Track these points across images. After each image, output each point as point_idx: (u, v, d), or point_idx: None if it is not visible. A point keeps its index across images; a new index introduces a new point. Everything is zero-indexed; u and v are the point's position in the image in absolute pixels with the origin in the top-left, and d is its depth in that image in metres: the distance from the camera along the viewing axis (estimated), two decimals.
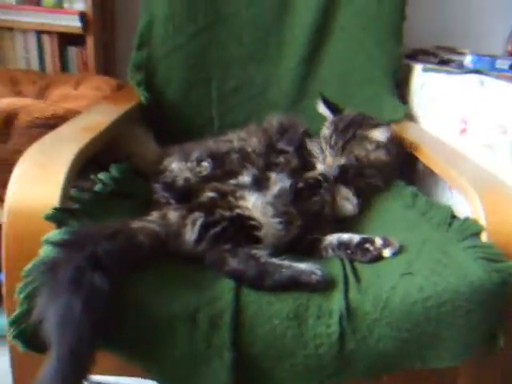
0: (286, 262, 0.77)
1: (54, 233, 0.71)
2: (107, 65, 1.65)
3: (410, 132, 1.24)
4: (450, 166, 1.01)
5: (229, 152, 1.01)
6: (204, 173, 0.94)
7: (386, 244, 0.85)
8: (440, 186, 1.19)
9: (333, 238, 0.89)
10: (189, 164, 0.96)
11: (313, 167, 1.09)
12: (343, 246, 0.88)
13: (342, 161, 1.06)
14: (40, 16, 1.49)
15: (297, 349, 0.72)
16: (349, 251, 0.87)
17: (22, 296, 0.67)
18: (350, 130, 1.08)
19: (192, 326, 0.69)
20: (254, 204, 0.85)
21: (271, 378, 0.72)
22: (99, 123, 0.99)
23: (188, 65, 1.35)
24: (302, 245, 0.90)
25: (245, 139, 1.08)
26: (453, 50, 1.58)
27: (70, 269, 0.63)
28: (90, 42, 1.53)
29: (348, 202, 1.03)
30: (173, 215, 0.83)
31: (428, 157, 1.10)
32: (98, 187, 0.91)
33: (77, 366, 0.61)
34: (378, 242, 0.85)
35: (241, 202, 0.85)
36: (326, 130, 1.11)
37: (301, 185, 0.99)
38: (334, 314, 0.72)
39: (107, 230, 0.71)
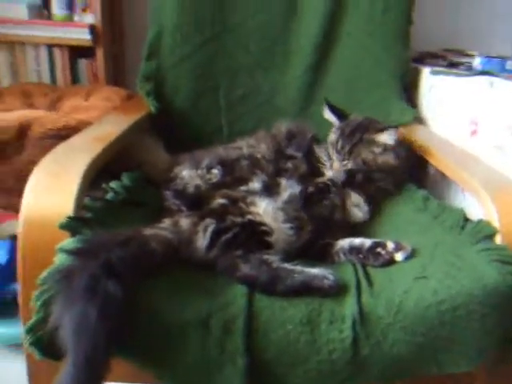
0: (298, 267, 0.77)
1: (68, 241, 0.72)
2: (117, 76, 1.67)
3: (419, 135, 1.24)
4: (461, 168, 1.00)
5: (238, 159, 1.01)
6: (214, 180, 0.95)
7: (398, 248, 0.85)
8: (452, 189, 1.18)
9: (344, 243, 0.89)
10: (199, 171, 0.97)
11: (321, 173, 1.09)
12: (355, 250, 0.87)
13: (349, 165, 1.06)
14: (51, 30, 1.53)
15: (310, 354, 0.71)
16: (361, 256, 0.86)
17: (37, 304, 0.68)
18: (356, 135, 1.08)
19: (205, 331, 0.69)
20: (264, 210, 0.86)
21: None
22: (110, 133, 1.00)
23: (196, 74, 1.37)
24: (314, 250, 0.89)
25: (254, 146, 1.09)
26: (461, 53, 1.58)
27: (84, 276, 0.64)
28: (99, 53, 1.56)
29: (358, 208, 1.03)
30: (184, 222, 0.83)
31: (438, 159, 1.10)
32: (110, 196, 0.92)
33: (92, 373, 0.62)
34: (390, 245, 0.85)
35: (252, 208, 0.85)
36: (332, 136, 1.11)
37: (311, 189, 0.99)
38: (347, 319, 0.72)
39: (120, 238, 0.72)
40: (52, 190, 0.78)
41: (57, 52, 1.56)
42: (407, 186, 1.12)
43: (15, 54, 1.56)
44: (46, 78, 1.58)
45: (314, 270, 0.76)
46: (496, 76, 1.18)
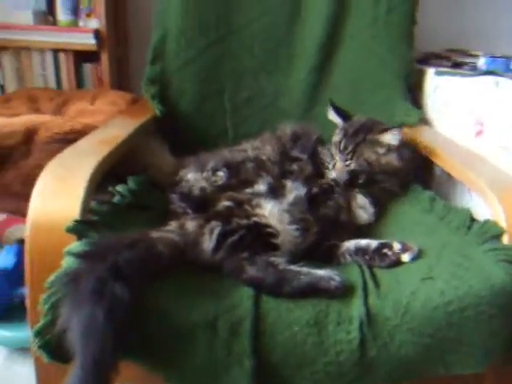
0: (305, 269, 0.77)
1: (75, 244, 0.73)
2: (121, 79, 1.68)
3: (424, 135, 1.24)
4: (467, 169, 1.00)
5: (244, 161, 1.01)
6: (220, 182, 0.95)
7: (405, 249, 0.85)
8: (458, 190, 1.18)
9: (350, 244, 0.89)
10: (204, 174, 0.97)
11: (326, 174, 1.09)
12: (361, 251, 0.87)
13: (352, 165, 1.05)
14: (56, 35, 1.53)
15: (317, 356, 0.71)
16: (367, 257, 0.86)
17: (45, 307, 0.68)
18: (359, 135, 1.08)
19: (212, 333, 0.69)
20: (270, 212, 0.86)
21: None
22: (116, 136, 1.01)
23: (201, 77, 1.37)
24: (320, 251, 0.89)
25: (259, 148, 1.09)
26: (465, 53, 1.58)
27: (92, 279, 0.65)
28: (104, 58, 1.56)
29: (363, 210, 1.03)
30: (190, 225, 0.83)
31: (444, 160, 1.09)
32: (116, 199, 0.92)
33: (100, 376, 0.62)
34: (397, 246, 0.85)
35: (257, 210, 0.86)
36: (335, 136, 1.11)
37: (315, 190, 0.99)
38: (354, 320, 0.72)
39: (127, 241, 0.72)
40: (59, 194, 0.78)
41: (62, 57, 1.57)
42: (413, 186, 1.12)
43: (21, 59, 1.57)
44: (52, 83, 1.59)
45: (321, 272, 0.76)
46: (501, 76, 1.18)
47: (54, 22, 1.57)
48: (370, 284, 0.78)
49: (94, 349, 0.62)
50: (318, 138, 1.16)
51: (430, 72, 1.39)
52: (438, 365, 0.75)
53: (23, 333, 1.21)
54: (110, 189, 0.94)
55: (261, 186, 0.92)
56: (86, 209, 0.78)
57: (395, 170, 1.07)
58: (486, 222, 0.87)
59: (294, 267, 0.78)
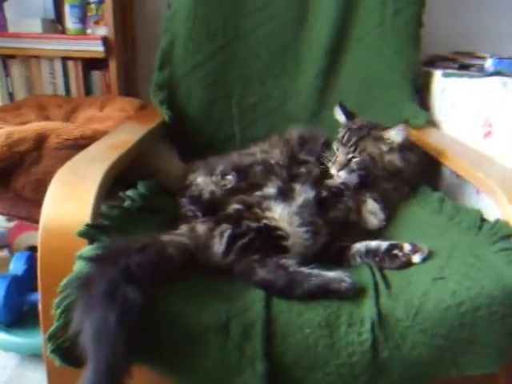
0: (315, 271, 0.77)
1: (86, 248, 0.73)
2: (129, 86, 1.69)
3: (432, 137, 1.23)
4: (476, 169, 0.99)
5: (252, 165, 1.02)
6: (229, 186, 0.96)
7: (415, 250, 0.84)
8: (467, 191, 1.17)
9: (361, 246, 0.89)
10: (214, 178, 0.98)
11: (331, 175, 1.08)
12: (371, 253, 0.87)
13: (354, 159, 1.04)
14: (65, 43, 1.55)
15: (329, 358, 0.71)
16: (377, 258, 0.86)
17: (58, 311, 0.69)
18: (363, 130, 1.08)
19: (224, 336, 0.69)
20: (280, 214, 0.86)
21: None
22: (125, 142, 1.02)
23: (208, 82, 1.38)
24: (330, 253, 0.89)
25: (267, 151, 1.10)
26: (472, 55, 1.57)
27: (103, 283, 0.65)
28: (112, 65, 1.58)
29: (374, 216, 1.02)
30: (201, 228, 0.84)
31: (453, 161, 1.09)
32: (126, 204, 0.93)
33: (113, 379, 0.62)
34: (407, 247, 0.85)
35: (267, 213, 0.86)
36: (339, 134, 1.11)
37: (324, 194, 0.99)
38: (366, 322, 0.72)
39: (138, 244, 0.73)
40: (70, 199, 0.79)
41: (71, 65, 1.59)
42: (422, 188, 1.12)
43: (30, 67, 1.59)
44: (61, 91, 1.61)
45: (331, 273, 0.76)
46: (508, 76, 1.18)
47: (63, 31, 1.59)
48: (381, 285, 0.78)
49: (107, 352, 0.62)
50: (326, 141, 1.16)
51: (437, 74, 1.39)
52: (451, 366, 0.74)
53: (34, 339, 1.22)
54: (120, 193, 0.95)
55: (270, 189, 0.92)
56: (96, 213, 0.78)
57: (397, 171, 1.07)
58: (497, 222, 0.86)
59: (304, 269, 0.78)
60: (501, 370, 0.77)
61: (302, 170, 1.07)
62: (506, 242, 0.81)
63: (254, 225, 0.83)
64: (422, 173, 1.14)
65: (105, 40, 1.53)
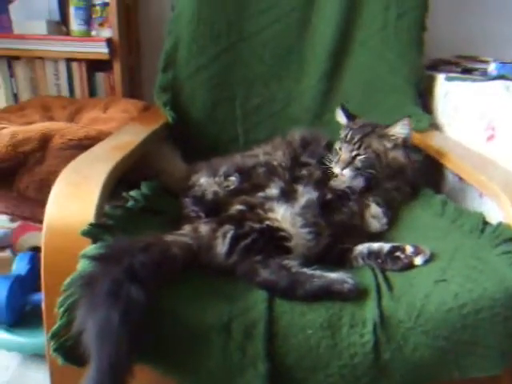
0: (318, 272, 0.77)
1: (90, 248, 0.73)
2: (133, 88, 1.70)
3: (435, 140, 1.24)
4: (479, 172, 1.00)
5: (255, 166, 1.02)
6: (232, 187, 0.96)
7: (417, 252, 0.84)
8: (469, 194, 1.17)
9: (363, 248, 0.89)
10: (217, 179, 0.98)
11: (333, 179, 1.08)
12: (373, 255, 0.87)
13: (359, 157, 1.04)
14: (69, 45, 1.56)
15: (331, 359, 0.71)
16: (379, 260, 0.86)
17: (61, 310, 0.69)
18: (367, 127, 1.08)
19: (226, 336, 0.70)
20: (282, 215, 0.86)
21: None
22: (129, 143, 1.02)
23: (212, 84, 1.39)
24: (332, 255, 0.89)
25: (270, 153, 1.10)
26: (475, 59, 1.58)
27: (107, 281, 0.65)
28: (116, 67, 1.58)
29: (376, 220, 1.02)
30: (204, 228, 0.84)
31: (456, 164, 1.09)
32: (129, 204, 0.93)
33: (116, 378, 0.62)
34: (409, 249, 0.85)
35: (270, 214, 0.86)
36: (341, 134, 1.12)
37: (329, 196, 0.99)
38: (368, 323, 0.72)
39: (141, 244, 0.73)
40: (74, 199, 0.79)
41: (75, 66, 1.59)
42: (424, 191, 1.12)
43: (35, 68, 1.60)
44: (65, 92, 1.62)
45: (334, 275, 0.76)
46: (511, 80, 1.18)
47: (68, 32, 1.60)
48: (383, 287, 0.78)
49: (110, 351, 0.62)
50: (328, 143, 1.16)
51: (440, 78, 1.39)
52: (453, 368, 0.74)
53: (37, 339, 1.23)
54: (124, 194, 0.95)
55: (273, 190, 0.92)
56: (100, 213, 0.79)
57: (401, 168, 1.07)
58: (499, 224, 0.86)
59: (306, 270, 0.78)
60: (504, 372, 0.77)
61: (304, 172, 1.08)
62: (508, 245, 0.81)
63: (256, 226, 0.83)
64: (424, 174, 1.14)
65: (109, 42, 1.54)
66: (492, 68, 1.40)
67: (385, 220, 1.02)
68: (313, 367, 0.71)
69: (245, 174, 0.99)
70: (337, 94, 1.40)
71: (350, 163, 1.05)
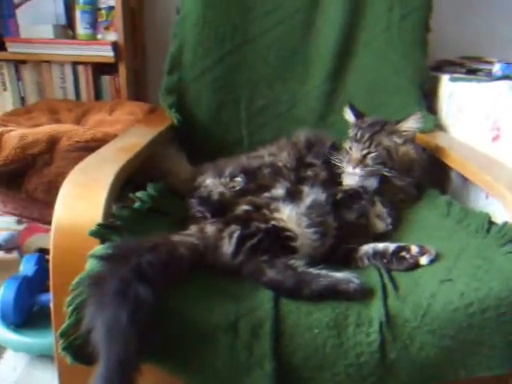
0: (324, 272, 0.77)
1: (98, 248, 0.74)
2: (138, 91, 1.71)
3: (440, 141, 1.23)
4: (485, 173, 1.00)
5: (260, 167, 1.03)
6: (237, 187, 0.97)
7: (423, 252, 0.84)
8: (474, 195, 1.17)
9: (368, 248, 0.89)
10: (222, 180, 0.99)
11: (340, 180, 1.09)
12: (379, 255, 0.87)
13: (370, 155, 1.05)
14: (75, 49, 1.57)
15: (337, 358, 0.72)
16: (385, 260, 0.86)
17: (70, 309, 0.70)
18: (376, 125, 1.09)
19: (233, 335, 0.70)
20: (288, 215, 0.86)
21: None
22: (135, 144, 1.03)
23: (217, 86, 1.40)
24: (338, 255, 0.90)
25: (275, 154, 1.10)
26: (479, 60, 1.58)
27: (115, 281, 0.66)
28: (122, 70, 1.59)
29: (380, 220, 1.02)
30: (210, 229, 0.84)
31: (461, 164, 1.10)
32: (136, 205, 0.94)
33: (125, 376, 0.63)
34: (414, 249, 0.85)
35: (275, 214, 0.86)
36: (350, 133, 1.12)
37: (340, 195, 1.00)
38: (374, 322, 0.72)
39: (149, 244, 0.74)
40: (82, 200, 0.80)
41: (81, 69, 1.61)
42: (429, 191, 1.12)
43: (42, 72, 1.61)
44: (71, 95, 1.63)
45: (339, 274, 0.77)
46: None
47: (74, 36, 1.61)
48: (389, 286, 0.78)
49: (118, 349, 0.62)
50: (333, 144, 1.16)
51: (445, 78, 1.39)
52: (459, 367, 0.74)
53: (44, 339, 1.24)
54: (131, 195, 0.96)
55: (278, 191, 0.93)
56: (108, 214, 0.79)
57: (412, 163, 1.08)
58: (505, 224, 0.86)
59: (312, 270, 0.78)
60: (510, 371, 0.77)
61: (309, 172, 1.08)
62: None
63: (262, 226, 0.84)
64: (429, 174, 1.14)
65: (115, 45, 1.55)
66: (497, 68, 1.40)
67: (389, 220, 1.02)
68: (319, 366, 0.72)
69: (250, 174, 1.00)
70: (341, 95, 1.40)
71: (361, 161, 1.05)
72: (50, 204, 0.81)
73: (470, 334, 0.72)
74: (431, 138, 1.24)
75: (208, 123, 1.39)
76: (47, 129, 1.10)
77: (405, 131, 1.08)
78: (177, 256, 0.76)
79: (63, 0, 1.59)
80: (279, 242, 0.83)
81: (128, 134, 1.16)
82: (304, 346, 0.71)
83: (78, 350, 0.70)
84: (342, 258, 0.90)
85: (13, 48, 1.57)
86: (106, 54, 1.56)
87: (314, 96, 1.41)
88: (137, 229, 0.85)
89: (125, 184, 0.89)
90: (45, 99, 1.60)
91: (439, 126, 1.36)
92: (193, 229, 0.86)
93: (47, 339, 1.21)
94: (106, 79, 1.64)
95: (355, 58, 1.39)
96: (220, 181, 0.99)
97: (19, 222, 1.66)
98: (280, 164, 1.06)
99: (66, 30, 1.61)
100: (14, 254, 1.65)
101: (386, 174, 1.05)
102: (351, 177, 1.06)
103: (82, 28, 1.59)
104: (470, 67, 1.49)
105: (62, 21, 1.61)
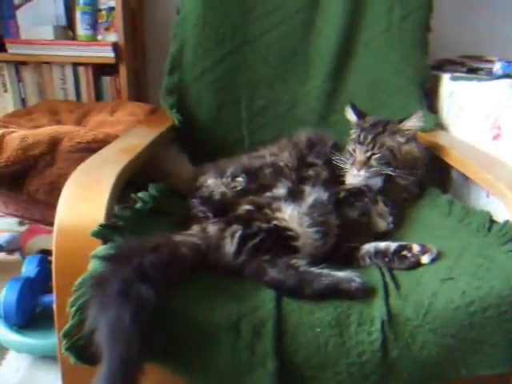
0: (325, 271, 0.77)
1: (100, 248, 0.74)
2: (139, 91, 1.71)
3: (441, 140, 1.24)
4: (486, 172, 1.00)
5: (262, 167, 1.03)
6: (239, 187, 0.97)
7: (424, 250, 0.85)
8: (475, 193, 1.17)
9: (370, 247, 0.89)
10: (224, 179, 0.99)
11: (342, 179, 1.09)
12: (380, 254, 0.87)
13: (374, 156, 1.05)
14: (76, 50, 1.57)
15: (339, 357, 0.72)
16: (386, 259, 0.86)
17: (73, 309, 0.70)
18: (378, 127, 1.09)
19: (235, 335, 0.70)
20: (290, 215, 0.86)
21: None
22: (136, 145, 1.03)
23: (217, 87, 1.40)
24: (339, 254, 0.90)
25: (276, 154, 1.11)
26: (480, 59, 1.58)
27: (118, 281, 0.66)
28: (122, 70, 1.59)
29: (382, 218, 1.02)
30: (212, 228, 0.85)
31: (462, 163, 1.10)
32: (138, 205, 0.94)
33: (128, 376, 0.63)
34: (416, 248, 0.85)
35: (277, 214, 0.86)
36: (352, 134, 1.12)
37: (343, 194, 1.00)
38: (376, 321, 0.73)
39: (151, 244, 0.74)
40: (84, 201, 0.81)
41: (81, 70, 1.61)
42: (430, 190, 1.13)
43: (42, 73, 1.62)
44: (72, 96, 1.63)
45: (341, 273, 0.77)
46: None
47: (74, 37, 1.61)
48: (391, 285, 0.78)
49: (121, 350, 0.63)
50: (334, 144, 1.17)
51: (446, 77, 1.40)
52: (461, 366, 0.74)
53: (47, 340, 1.24)
54: (132, 195, 0.96)
55: (280, 190, 0.93)
56: (110, 214, 0.80)
57: (415, 161, 1.08)
58: (506, 223, 0.87)
59: (314, 269, 0.78)
60: (511, 370, 0.77)
61: (311, 172, 1.08)
62: None
63: (264, 225, 0.84)
64: (430, 173, 1.14)
65: (115, 46, 1.55)
66: (497, 67, 1.40)
67: (390, 219, 1.02)
68: (321, 365, 0.72)
69: (252, 174, 1.00)
70: (341, 95, 1.40)
71: (365, 164, 1.06)
72: (51, 205, 0.81)
73: (472, 332, 0.73)
74: (432, 137, 1.24)
75: (209, 123, 1.39)
76: (48, 130, 1.11)
77: (407, 130, 1.08)
78: (179, 256, 0.76)
79: (63, 1, 1.59)
80: (281, 241, 0.83)
81: (129, 134, 1.16)
82: (306, 344, 0.71)
83: (81, 350, 0.70)
84: (344, 256, 0.90)
85: (13, 49, 1.57)
86: (107, 54, 1.56)
87: (315, 96, 1.41)
88: (139, 229, 0.85)
89: (126, 185, 0.90)
90: (45, 100, 1.60)
91: (440, 125, 1.36)
92: (195, 229, 0.86)
93: (50, 340, 1.22)
94: (106, 80, 1.64)
95: (355, 59, 1.40)
96: (222, 181, 0.99)
97: (21, 224, 1.66)
98: (281, 164, 1.06)
99: (67, 31, 1.62)
100: (16, 256, 1.65)
101: (391, 173, 1.05)
102: (355, 177, 1.06)
103: (82, 29, 1.59)
104: (470, 66, 1.49)
105: (63, 22, 1.61)
